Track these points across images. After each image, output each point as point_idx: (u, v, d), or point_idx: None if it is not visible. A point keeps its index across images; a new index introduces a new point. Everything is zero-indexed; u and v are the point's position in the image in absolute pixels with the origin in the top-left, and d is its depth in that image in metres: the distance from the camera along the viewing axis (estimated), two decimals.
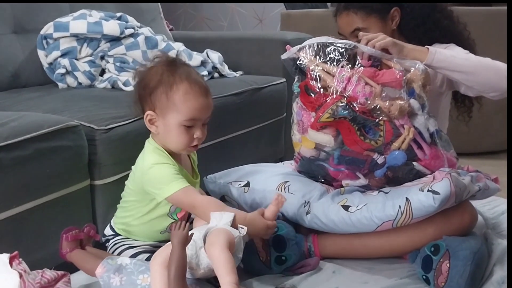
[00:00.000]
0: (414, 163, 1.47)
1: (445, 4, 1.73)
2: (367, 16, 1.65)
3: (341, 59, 1.48)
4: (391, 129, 1.44)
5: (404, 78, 1.45)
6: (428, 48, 1.52)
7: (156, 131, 1.44)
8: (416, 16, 1.66)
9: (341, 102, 1.44)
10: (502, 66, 1.51)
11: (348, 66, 1.47)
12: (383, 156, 1.46)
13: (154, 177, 1.40)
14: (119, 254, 1.47)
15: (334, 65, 1.48)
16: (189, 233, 1.22)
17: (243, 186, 1.66)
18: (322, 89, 1.48)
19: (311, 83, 1.49)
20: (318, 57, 1.51)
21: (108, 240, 1.54)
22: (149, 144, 1.46)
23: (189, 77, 1.42)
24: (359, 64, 1.47)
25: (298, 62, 1.53)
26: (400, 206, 1.38)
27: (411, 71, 1.47)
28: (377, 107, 1.43)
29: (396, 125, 1.45)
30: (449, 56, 1.52)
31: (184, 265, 1.20)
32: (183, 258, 1.20)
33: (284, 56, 1.57)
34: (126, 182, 1.51)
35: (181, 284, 1.18)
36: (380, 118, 1.44)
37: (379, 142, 1.45)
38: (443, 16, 1.69)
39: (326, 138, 1.50)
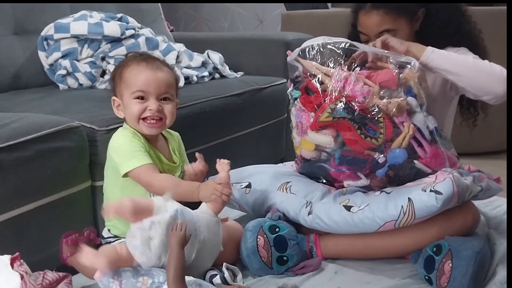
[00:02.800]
0: (415, 161, 1.46)
1: (465, 7, 1.69)
2: (398, 17, 1.61)
3: (338, 59, 1.49)
4: (391, 126, 1.44)
5: (400, 75, 1.45)
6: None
7: (122, 116, 1.48)
8: (440, 18, 1.63)
9: (340, 101, 1.44)
10: (498, 70, 1.48)
11: (345, 66, 1.48)
12: (383, 155, 1.46)
13: (119, 150, 1.43)
14: None
15: (331, 66, 1.48)
16: (187, 233, 1.22)
17: (244, 187, 1.66)
18: (320, 90, 1.48)
19: (312, 82, 1.50)
20: (315, 59, 1.51)
21: (108, 243, 1.52)
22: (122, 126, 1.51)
23: (143, 59, 1.47)
24: (355, 65, 1.48)
25: (296, 63, 1.53)
26: (402, 206, 1.38)
27: (406, 69, 1.47)
28: (375, 105, 1.43)
29: (396, 123, 1.44)
30: (445, 57, 1.51)
31: (183, 266, 1.19)
32: (182, 259, 1.19)
33: (289, 59, 1.57)
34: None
35: (180, 285, 1.17)
36: (379, 116, 1.43)
37: (379, 140, 1.45)
38: (466, 21, 1.67)
39: (326, 139, 1.50)
